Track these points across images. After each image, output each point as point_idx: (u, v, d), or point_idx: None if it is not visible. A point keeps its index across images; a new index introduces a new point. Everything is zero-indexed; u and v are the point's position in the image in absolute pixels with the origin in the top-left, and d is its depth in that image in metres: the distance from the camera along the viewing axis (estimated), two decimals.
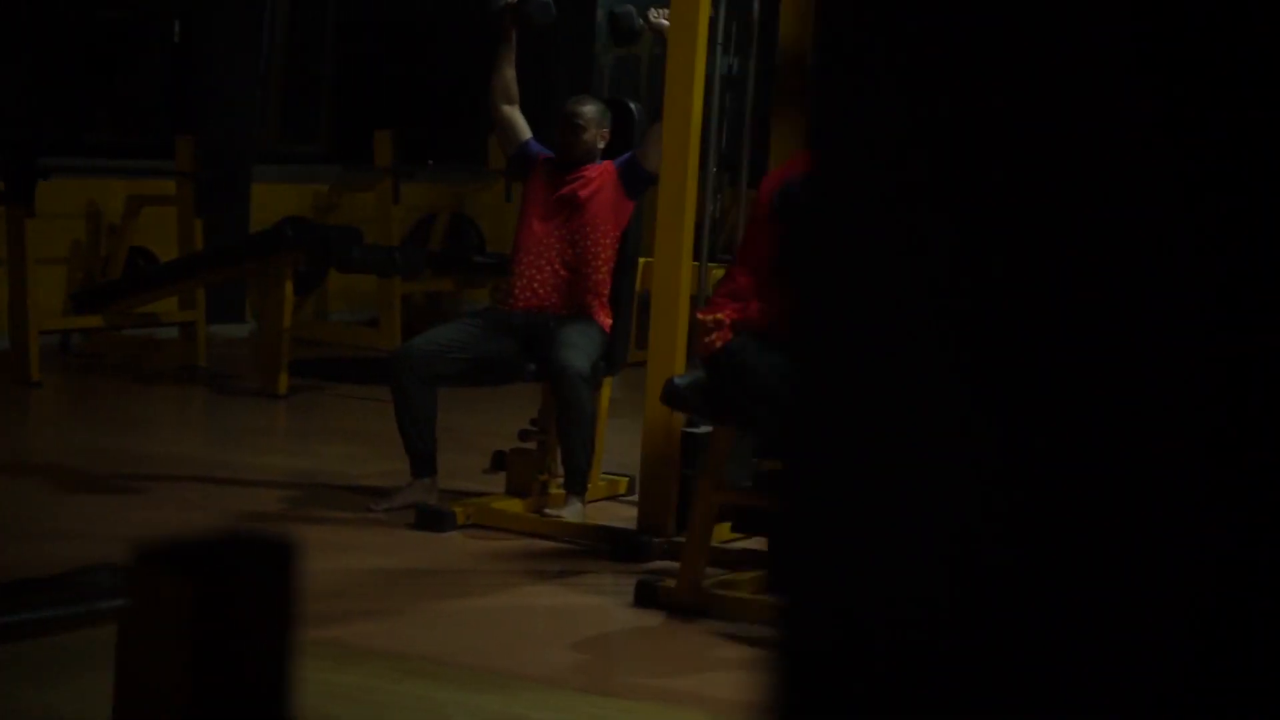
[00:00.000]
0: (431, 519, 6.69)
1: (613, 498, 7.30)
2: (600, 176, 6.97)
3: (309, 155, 13.25)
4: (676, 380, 5.77)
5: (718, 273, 6.62)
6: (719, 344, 5.57)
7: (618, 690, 5.05)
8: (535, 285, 6.98)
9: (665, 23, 6.62)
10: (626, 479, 7.40)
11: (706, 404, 5.68)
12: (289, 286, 9.53)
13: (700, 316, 5.65)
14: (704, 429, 6.41)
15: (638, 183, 6.93)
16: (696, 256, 6.52)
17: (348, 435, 8.58)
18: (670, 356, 6.36)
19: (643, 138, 6.93)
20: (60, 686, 4.62)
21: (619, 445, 7.33)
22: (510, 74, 7.12)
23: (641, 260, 7.03)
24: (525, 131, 7.15)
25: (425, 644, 5.28)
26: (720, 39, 6.41)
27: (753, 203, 5.64)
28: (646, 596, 5.78)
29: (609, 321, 6.96)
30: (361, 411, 9.26)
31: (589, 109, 7.02)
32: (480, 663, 5.14)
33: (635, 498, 7.31)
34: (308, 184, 12.37)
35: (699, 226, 6.41)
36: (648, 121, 7.13)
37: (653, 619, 5.68)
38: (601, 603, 5.84)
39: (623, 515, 7.01)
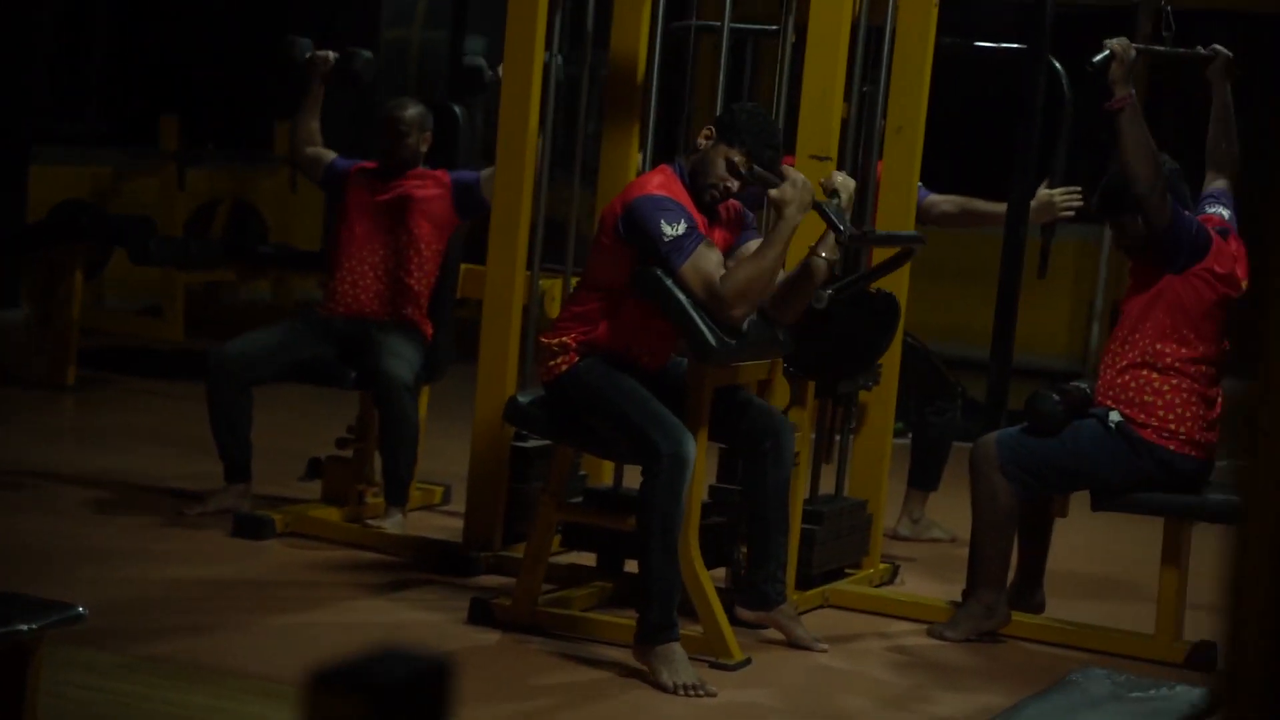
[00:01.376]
0: (250, 526, 6.56)
1: (428, 507, 7.23)
2: (430, 185, 6.89)
3: (79, 136, 12.92)
4: (519, 398, 5.72)
5: (545, 282, 6.59)
6: (564, 367, 5.53)
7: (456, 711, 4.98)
8: (357, 291, 6.88)
9: None
10: (441, 488, 7.34)
11: (550, 423, 5.64)
12: (79, 275, 9.29)
13: (543, 340, 5.60)
14: (533, 443, 6.38)
15: (472, 208, 6.87)
16: (529, 266, 6.47)
17: (145, 433, 8.38)
18: (501, 368, 6.31)
19: (491, 173, 6.82)
20: None
21: (433, 454, 7.26)
22: (315, 125, 7.09)
23: (463, 266, 6.96)
24: (328, 154, 7.07)
25: (262, 662, 5.17)
26: (556, 47, 6.37)
27: (597, 225, 5.61)
28: (481, 614, 5.73)
29: (430, 329, 6.89)
30: (156, 408, 9.07)
31: (411, 113, 6.93)
32: None
33: (450, 507, 7.27)
34: (85, 166, 12.06)
35: (531, 235, 6.36)
36: (470, 128, 7.09)
37: (488, 637, 5.63)
38: (434, 619, 5.77)
39: (441, 526, 6.94)
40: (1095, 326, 12.31)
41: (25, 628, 3.57)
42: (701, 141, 5.51)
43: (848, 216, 5.47)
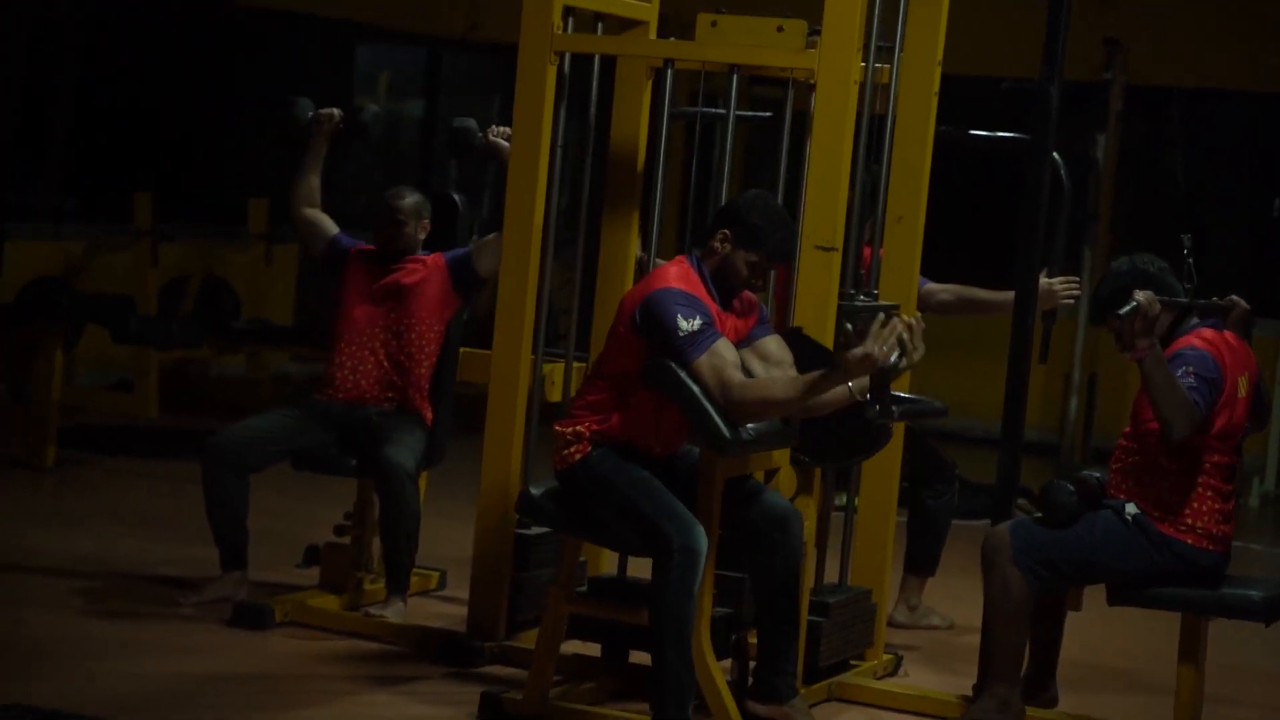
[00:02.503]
0: (250, 616, 6.49)
1: (424, 592, 7.16)
2: (427, 268, 6.86)
3: (48, 211, 12.81)
4: (531, 490, 5.68)
5: (547, 367, 6.55)
6: (577, 457, 5.50)
7: None
8: (358, 376, 6.83)
9: (504, 143, 6.56)
10: (438, 573, 7.28)
11: (562, 515, 5.60)
12: (59, 355, 9.21)
13: (557, 428, 5.58)
14: (537, 531, 6.33)
15: (469, 284, 6.85)
16: (533, 350, 6.43)
17: (130, 516, 8.29)
18: (506, 453, 6.26)
19: (481, 243, 6.81)
20: None
21: (429, 537, 7.18)
22: (316, 182, 7.07)
23: (463, 350, 6.92)
24: (331, 228, 7.05)
25: None
26: (560, 142, 6.35)
27: (614, 317, 5.59)
28: (492, 708, 5.67)
29: (430, 414, 6.85)
30: (138, 489, 8.98)
31: (408, 202, 6.91)
32: None
33: (447, 592, 7.21)
34: (56, 242, 11.96)
35: (536, 320, 6.34)
36: (470, 215, 7.07)
37: None
38: (444, 714, 5.71)
39: (439, 613, 6.88)
40: (1073, 399, 12.33)
41: None
42: (718, 246, 5.51)
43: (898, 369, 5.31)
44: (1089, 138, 12.06)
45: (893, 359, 5.18)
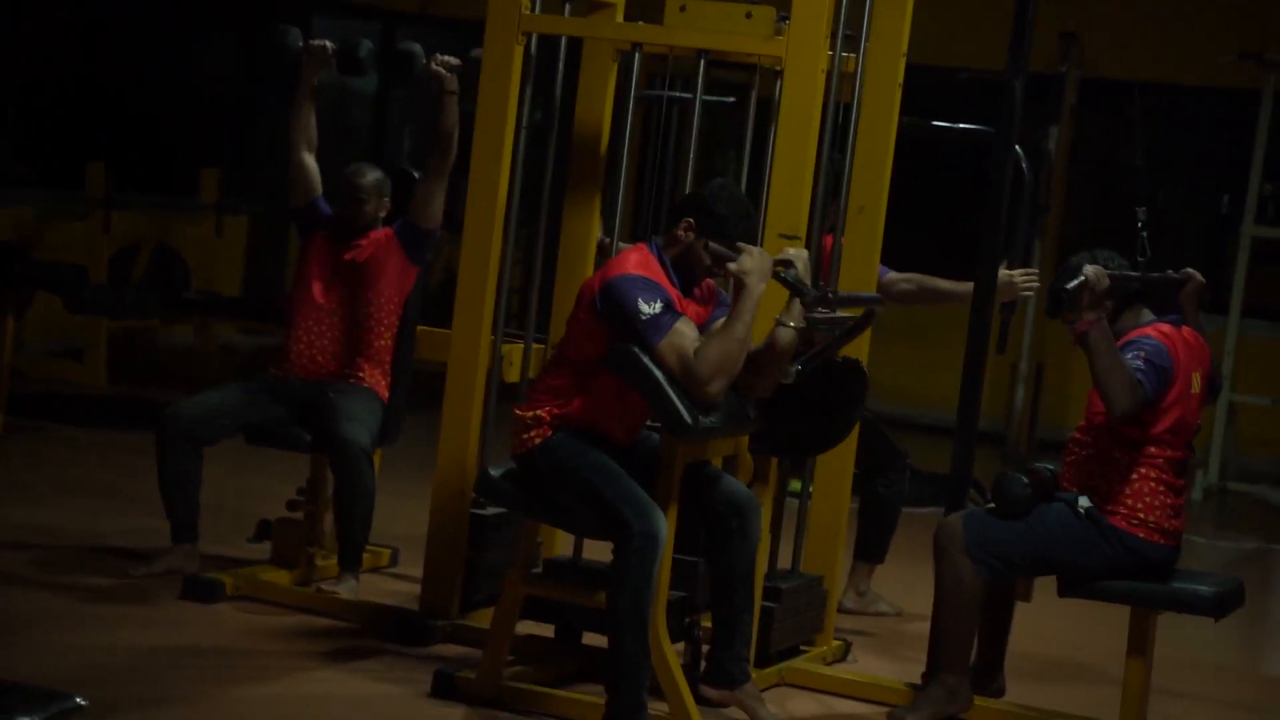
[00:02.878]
0: (200, 589, 6.48)
1: (376, 569, 7.16)
2: (379, 243, 6.84)
3: (3, 178, 12.74)
4: (491, 471, 5.68)
5: (506, 348, 6.54)
6: (537, 440, 5.50)
7: None
8: (314, 351, 6.81)
9: (444, 71, 6.53)
10: (389, 550, 7.28)
11: (522, 497, 5.60)
12: (11, 323, 9.16)
13: (517, 411, 5.58)
14: (492, 510, 6.34)
15: (417, 244, 6.82)
16: (492, 331, 6.43)
17: (83, 487, 8.26)
18: (465, 434, 6.26)
19: (416, 197, 6.80)
20: None
21: (381, 515, 7.16)
22: (310, 116, 6.93)
23: (420, 328, 6.91)
24: (318, 187, 6.96)
25: None
26: (524, 122, 6.35)
27: (574, 302, 5.60)
28: (444, 687, 5.68)
29: (387, 391, 6.84)
30: (91, 460, 8.94)
31: (369, 179, 6.87)
32: None
33: (399, 569, 7.21)
34: (5, 208, 11.88)
35: (496, 301, 6.34)
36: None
37: (452, 711, 5.58)
38: (397, 692, 5.71)
39: (391, 590, 6.89)
40: (1020, 389, 12.39)
41: None
42: (681, 234, 5.52)
43: (807, 283, 5.49)
44: (1042, 130, 12.12)
45: (794, 265, 5.44)
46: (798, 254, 5.55)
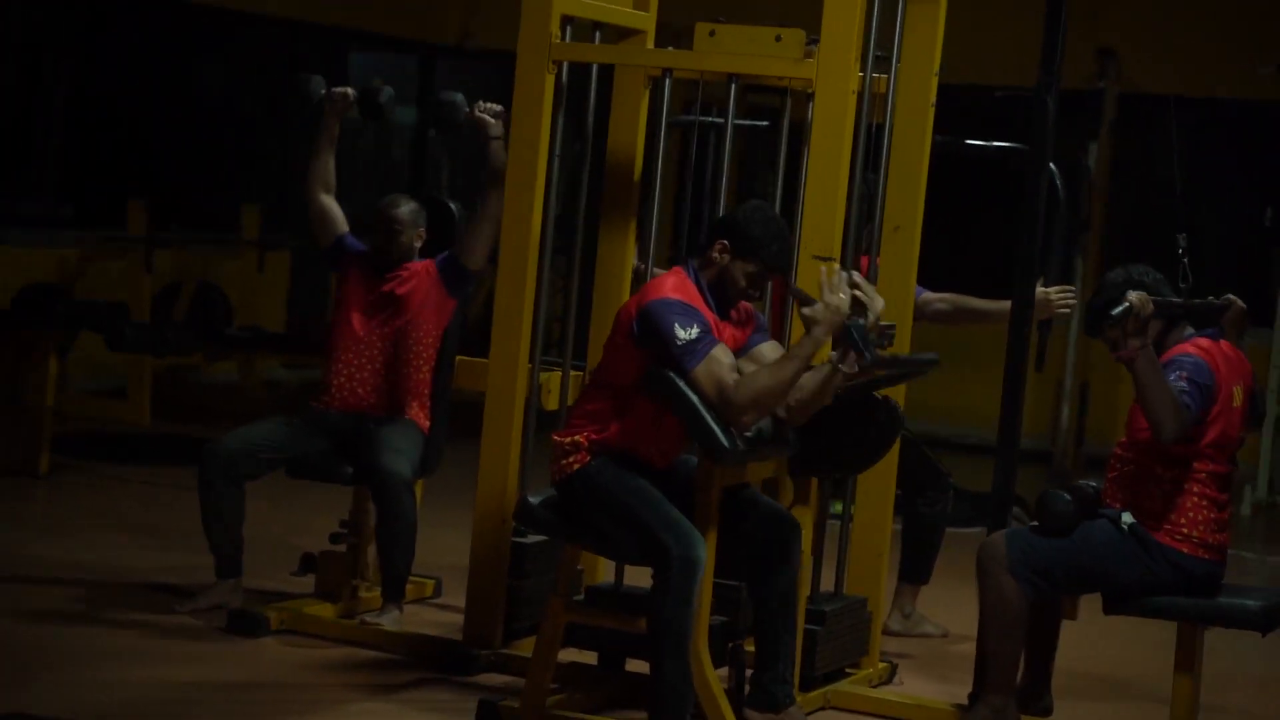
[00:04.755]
0: (245, 623, 6.49)
1: (420, 600, 7.16)
2: (420, 274, 6.87)
3: (42, 218, 12.82)
4: (530, 499, 5.68)
5: (544, 376, 6.54)
6: (576, 466, 5.50)
7: None
8: (355, 385, 6.83)
9: (490, 118, 6.58)
10: (433, 581, 7.28)
11: (561, 524, 5.60)
12: (54, 362, 9.20)
13: (555, 438, 5.58)
14: (534, 539, 6.34)
15: (459, 281, 6.85)
16: (530, 359, 6.43)
17: (126, 524, 8.29)
18: (503, 462, 6.27)
19: (464, 237, 6.85)
20: None
21: (424, 545, 7.18)
22: (330, 162, 6.99)
23: (458, 358, 6.92)
24: (342, 225, 7.01)
25: None
26: (558, 149, 6.36)
27: (612, 326, 5.60)
28: (489, 717, 5.67)
29: (427, 422, 6.85)
30: (135, 496, 8.97)
31: (403, 211, 6.90)
32: None
33: (443, 600, 7.22)
34: (46, 248, 11.95)
35: (534, 329, 6.35)
36: (466, 219, 7.06)
37: None
38: None
39: (435, 621, 6.89)
40: (1065, 407, 12.34)
41: None
42: (716, 256, 5.52)
43: (873, 336, 5.47)
44: (1081, 146, 12.08)
45: (866, 314, 5.41)
46: (872, 301, 5.51)
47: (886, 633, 7.12)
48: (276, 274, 13.17)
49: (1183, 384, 5.62)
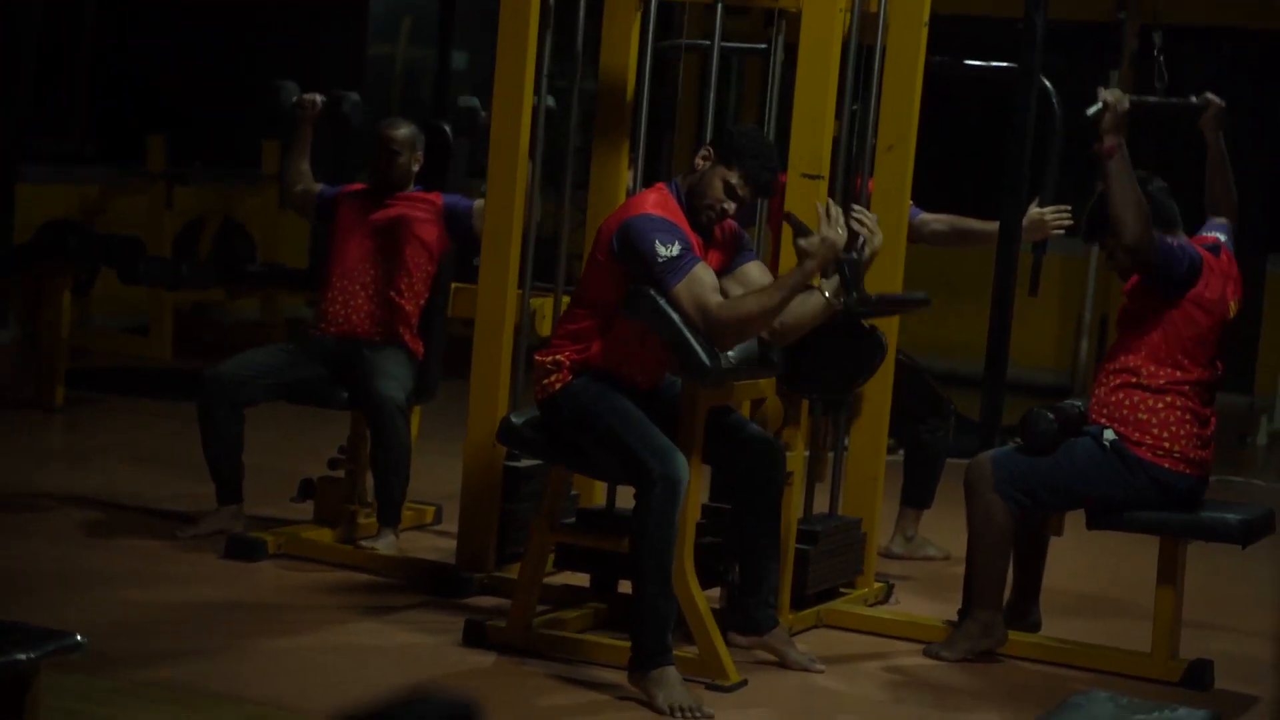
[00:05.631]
0: (242, 548, 6.54)
1: (420, 527, 7.20)
2: (422, 206, 6.88)
3: (68, 155, 12.91)
4: (513, 418, 5.70)
5: (535, 301, 6.56)
6: (558, 385, 5.51)
7: None
8: (349, 310, 6.86)
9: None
10: (433, 508, 7.32)
11: (544, 443, 5.62)
12: (67, 296, 9.26)
13: (537, 358, 5.59)
14: (526, 463, 6.36)
15: (463, 236, 6.88)
16: (520, 284, 6.45)
17: (135, 454, 8.36)
18: (493, 387, 6.29)
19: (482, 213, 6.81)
20: None
21: (424, 473, 7.24)
22: (305, 167, 7.15)
23: (453, 285, 6.94)
24: (314, 186, 7.10)
25: (260, 685, 5.15)
26: (545, 68, 6.36)
27: (593, 243, 5.59)
28: (475, 636, 5.71)
29: (421, 348, 6.88)
30: (146, 428, 9.04)
31: (402, 133, 6.92)
32: (315, 705, 5.02)
33: (442, 527, 7.25)
34: (71, 185, 12.03)
35: (523, 254, 6.36)
36: (462, 149, 7.09)
37: (483, 659, 5.61)
38: (430, 642, 5.75)
39: (434, 546, 6.92)
40: (1084, 341, 12.31)
41: (24, 657, 3.54)
42: (699, 163, 5.49)
43: (865, 270, 5.45)
44: (1103, 76, 12.01)
45: (859, 249, 5.30)
46: (872, 237, 5.51)
47: (889, 556, 7.15)
48: None
49: (1169, 239, 5.64)
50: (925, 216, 6.97)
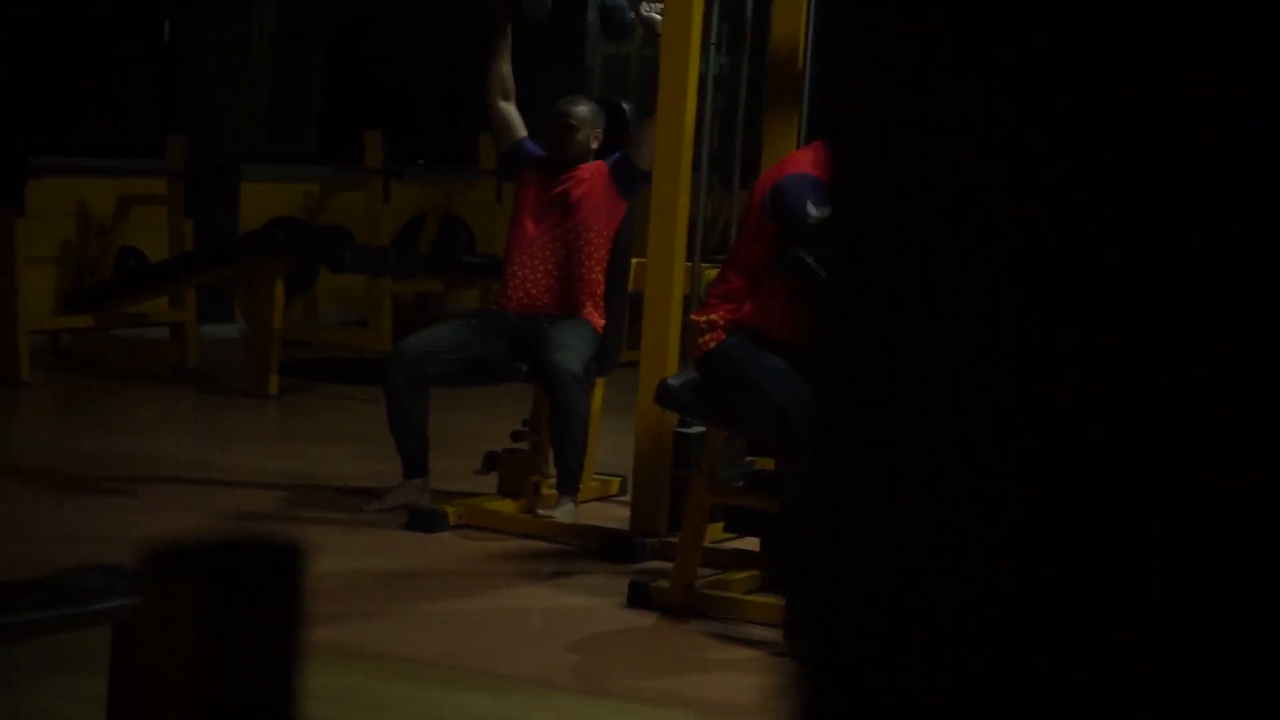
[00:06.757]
0: (424, 519, 6.68)
1: (605, 498, 7.29)
2: (593, 176, 6.97)
3: (297, 155, 13.24)
4: (670, 380, 5.76)
5: (710, 273, 6.61)
6: (712, 345, 5.54)
7: (611, 692, 5.05)
8: (529, 285, 6.97)
9: (657, 16, 6.61)
10: (618, 479, 7.39)
11: (700, 404, 5.67)
12: (280, 288, 9.51)
13: (694, 318, 5.63)
14: (696, 429, 6.41)
15: (631, 181, 6.92)
16: (689, 257, 6.51)
17: (338, 436, 8.57)
18: (662, 357, 6.36)
19: (634, 136, 6.92)
20: (53, 688, 4.60)
21: (611, 445, 7.32)
22: (506, 68, 7.11)
23: (634, 260, 7.01)
24: (521, 129, 7.14)
25: (420, 646, 5.27)
26: (713, 39, 6.40)
27: (746, 203, 5.61)
28: (639, 597, 5.77)
29: (601, 321, 6.96)
30: (352, 412, 9.25)
31: (582, 109, 7.01)
32: (475, 664, 5.13)
33: (627, 498, 7.31)
34: (296, 184, 12.35)
35: (691, 226, 6.40)
36: (639, 120, 7.13)
37: (645, 620, 5.67)
38: (595, 604, 5.83)
39: (615, 516, 7.00)
40: None
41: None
42: None
43: None
44: None
45: None
46: None
47: None
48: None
49: None
50: None
